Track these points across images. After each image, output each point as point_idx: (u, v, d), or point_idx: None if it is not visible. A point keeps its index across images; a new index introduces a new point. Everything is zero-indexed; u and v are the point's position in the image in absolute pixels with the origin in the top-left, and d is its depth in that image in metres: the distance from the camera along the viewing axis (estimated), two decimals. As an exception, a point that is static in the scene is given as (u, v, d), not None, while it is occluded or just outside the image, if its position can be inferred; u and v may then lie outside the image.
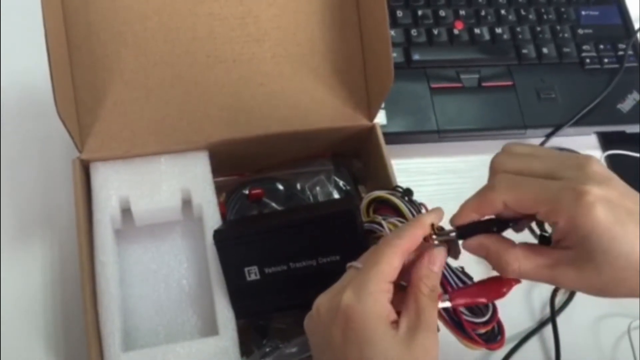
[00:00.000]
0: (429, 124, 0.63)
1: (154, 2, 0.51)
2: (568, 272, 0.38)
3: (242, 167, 0.57)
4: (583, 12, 0.72)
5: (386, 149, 0.54)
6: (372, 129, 0.55)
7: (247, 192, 0.55)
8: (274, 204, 0.55)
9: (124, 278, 0.50)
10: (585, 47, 0.70)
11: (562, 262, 0.39)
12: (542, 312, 0.59)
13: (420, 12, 0.68)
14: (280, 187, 0.56)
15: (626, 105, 0.67)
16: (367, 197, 0.47)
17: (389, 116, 0.62)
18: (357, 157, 0.60)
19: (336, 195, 0.57)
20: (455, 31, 0.68)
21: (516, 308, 0.59)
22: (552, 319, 0.58)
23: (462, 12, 0.69)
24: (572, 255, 0.38)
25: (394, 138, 0.62)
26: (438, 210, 0.41)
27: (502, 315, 0.43)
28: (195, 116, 0.52)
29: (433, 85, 0.65)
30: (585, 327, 0.59)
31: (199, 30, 0.52)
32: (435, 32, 0.67)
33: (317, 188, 0.57)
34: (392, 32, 0.66)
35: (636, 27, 0.72)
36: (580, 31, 0.71)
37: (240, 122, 0.52)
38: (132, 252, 0.51)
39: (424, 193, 0.56)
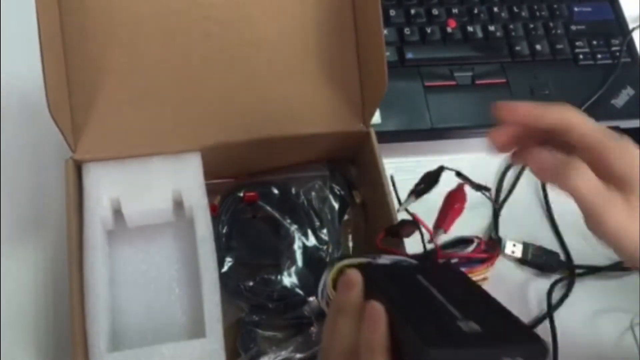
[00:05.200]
0: (423, 122, 0.63)
1: (150, 5, 0.51)
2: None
3: (237, 170, 0.57)
4: (576, 9, 0.72)
5: (380, 156, 0.54)
6: (367, 135, 0.55)
7: (241, 194, 0.55)
8: (268, 208, 0.55)
9: (114, 279, 0.50)
10: (578, 43, 0.70)
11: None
12: (539, 307, 0.59)
13: (413, 11, 0.68)
14: (275, 191, 0.56)
15: (620, 100, 0.67)
16: (336, 266, 0.43)
17: (383, 115, 0.62)
18: (352, 162, 0.60)
19: (333, 202, 0.57)
20: (449, 29, 0.68)
21: (513, 304, 0.58)
22: (549, 314, 0.58)
23: (454, 11, 0.69)
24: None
25: (388, 136, 0.62)
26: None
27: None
28: (188, 118, 0.52)
29: (427, 84, 0.65)
30: (584, 323, 0.59)
31: (195, 33, 0.52)
32: (429, 30, 0.67)
33: (313, 193, 0.57)
34: (386, 31, 0.66)
35: (630, 25, 0.72)
36: (573, 27, 0.71)
37: (234, 125, 0.52)
38: (123, 253, 0.51)
39: (419, 191, 0.56)
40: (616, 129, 0.66)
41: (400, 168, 0.63)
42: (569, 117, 0.41)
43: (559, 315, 0.59)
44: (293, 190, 0.56)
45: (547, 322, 0.58)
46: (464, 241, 0.46)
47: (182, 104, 0.52)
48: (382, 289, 0.39)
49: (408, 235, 0.48)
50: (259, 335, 0.51)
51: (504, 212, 0.63)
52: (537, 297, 0.59)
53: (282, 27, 0.54)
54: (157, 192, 0.50)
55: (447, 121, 0.63)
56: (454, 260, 0.45)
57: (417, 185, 0.48)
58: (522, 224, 0.62)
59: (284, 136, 0.53)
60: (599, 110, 0.67)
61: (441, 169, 0.47)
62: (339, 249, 0.55)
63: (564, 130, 0.41)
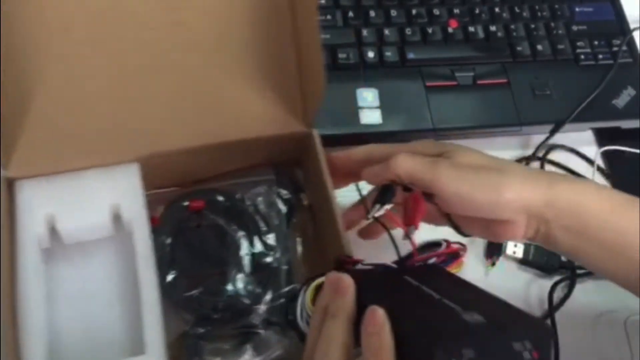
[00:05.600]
0: (424, 123, 0.63)
1: (80, 13, 0.49)
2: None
3: (180, 179, 0.55)
4: (577, 9, 0.72)
5: (323, 156, 0.52)
6: (309, 136, 0.53)
7: (186, 204, 0.53)
8: (213, 216, 0.54)
9: (52, 298, 0.48)
10: (579, 43, 0.70)
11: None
12: (540, 307, 0.59)
13: (414, 11, 0.68)
14: (220, 198, 0.54)
15: (621, 101, 0.67)
16: (312, 285, 0.42)
17: (384, 115, 0.62)
18: (299, 164, 0.59)
19: (280, 205, 0.56)
20: (450, 29, 0.68)
21: (514, 304, 0.59)
22: (550, 314, 0.58)
23: (456, 11, 0.69)
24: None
25: (389, 137, 0.62)
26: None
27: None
28: (125, 129, 0.49)
29: (428, 84, 0.65)
30: (585, 323, 0.59)
31: (128, 40, 0.50)
32: (430, 30, 0.67)
33: (259, 198, 0.55)
34: (387, 31, 0.66)
35: (631, 25, 0.72)
36: (574, 28, 0.71)
37: (173, 133, 0.50)
38: (62, 271, 0.49)
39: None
40: (617, 129, 0.67)
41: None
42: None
43: (560, 315, 0.59)
44: (238, 196, 0.55)
45: (548, 323, 0.58)
46: (432, 245, 0.47)
47: (116, 115, 0.50)
48: (375, 293, 0.39)
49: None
50: (205, 347, 0.49)
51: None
52: (538, 298, 0.59)
53: (216, 31, 0.52)
54: (94, 206, 0.48)
55: (448, 121, 0.63)
56: (431, 261, 0.46)
57: (380, 196, 0.48)
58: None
59: (225, 142, 0.51)
60: (600, 111, 0.67)
61: (394, 182, 0.47)
62: (287, 253, 0.54)
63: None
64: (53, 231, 0.48)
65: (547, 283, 0.60)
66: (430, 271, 0.45)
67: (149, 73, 0.51)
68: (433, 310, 0.36)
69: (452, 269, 0.46)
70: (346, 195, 0.53)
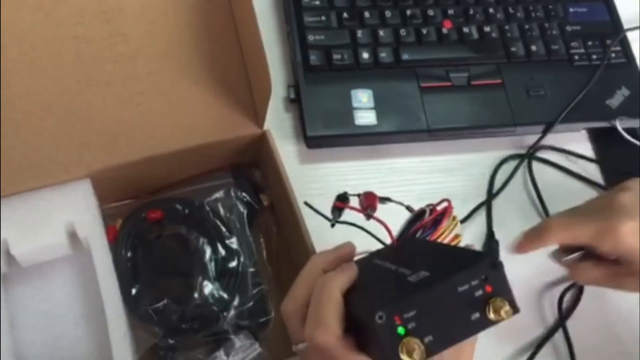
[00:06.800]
0: (419, 123, 0.63)
1: (12, 32, 0.49)
2: (627, 281, 0.51)
3: (136, 190, 0.55)
4: (571, 9, 0.72)
5: (279, 155, 0.52)
6: (263, 136, 0.53)
7: (144, 215, 0.53)
8: (174, 225, 0.53)
9: (14, 324, 0.47)
10: (573, 44, 0.70)
11: (621, 274, 0.51)
12: (554, 316, 0.59)
13: (409, 12, 0.68)
14: (179, 206, 0.54)
15: (615, 100, 0.67)
16: None
17: (379, 116, 0.62)
18: (256, 165, 0.58)
19: (240, 208, 0.55)
20: (444, 30, 0.68)
21: (526, 316, 0.58)
22: (561, 323, 0.58)
23: (450, 12, 0.69)
24: (626, 269, 0.50)
25: (384, 138, 0.62)
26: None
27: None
28: (72, 145, 0.49)
29: (422, 85, 0.65)
30: (601, 325, 0.59)
31: (65, 55, 0.50)
32: (424, 31, 0.67)
33: (218, 203, 0.55)
34: (382, 32, 0.66)
35: (626, 25, 0.72)
36: (568, 28, 0.71)
37: (122, 146, 0.50)
38: (21, 294, 0.49)
39: (416, 192, 0.56)
40: (612, 129, 0.67)
41: (397, 169, 0.63)
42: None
43: (576, 320, 0.59)
44: (197, 203, 0.54)
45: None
46: (418, 215, 0.47)
47: (61, 131, 0.49)
48: None
49: None
50: (177, 358, 0.49)
51: (497, 210, 0.63)
52: (550, 305, 0.60)
53: (158, 38, 0.52)
54: (48, 226, 0.47)
55: (442, 122, 0.63)
56: (418, 234, 0.46)
57: (336, 201, 0.50)
58: (518, 223, 0.62)
59: (179, 150, 0.50)
60: (593, 111, 0.67)
61: (345, 193, 0.49)
62: (252, 256, 0.54)
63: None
64: (8, 255, 0.47)
65: (556, 291, 0.60)
66: (405, 246, 0.45)
67: (90, 86, 0.50)
68: (384, 282, 0.37)
69: (450, 226, 0.45)
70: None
